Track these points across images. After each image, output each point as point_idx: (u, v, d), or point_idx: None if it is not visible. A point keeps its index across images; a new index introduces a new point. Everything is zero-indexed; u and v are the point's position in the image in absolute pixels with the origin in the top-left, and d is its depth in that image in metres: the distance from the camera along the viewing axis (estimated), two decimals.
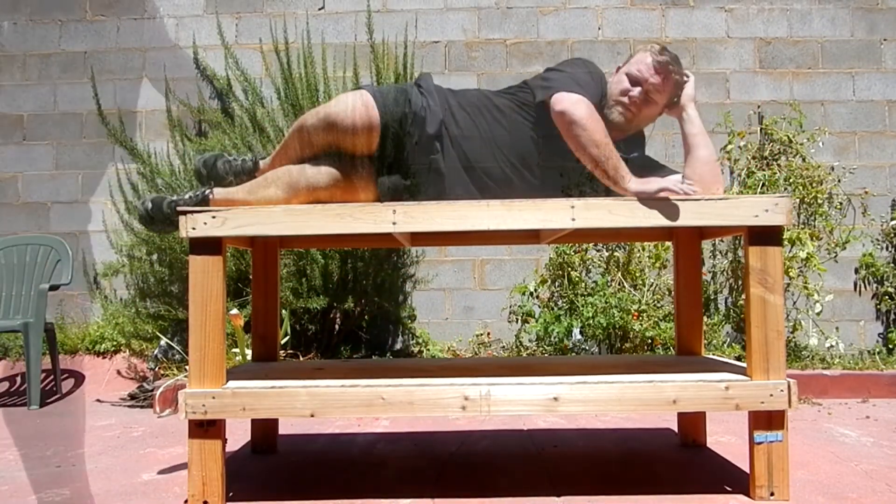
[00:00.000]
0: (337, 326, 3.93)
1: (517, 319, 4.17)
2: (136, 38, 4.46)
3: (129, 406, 3.38)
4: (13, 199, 4.42)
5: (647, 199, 1.78)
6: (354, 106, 1.92)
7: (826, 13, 4.35)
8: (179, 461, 2.26)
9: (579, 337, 3.88)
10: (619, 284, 3.99)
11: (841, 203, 4.20)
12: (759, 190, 4.00)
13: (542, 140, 2.02)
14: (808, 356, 3.80)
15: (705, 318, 4.00)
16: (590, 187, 2.10)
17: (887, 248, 4.24)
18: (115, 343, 4.00)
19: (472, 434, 2.60)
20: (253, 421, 2.33)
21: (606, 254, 4.08)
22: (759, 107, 4.31)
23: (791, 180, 4.09)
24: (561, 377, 1.82)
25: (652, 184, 1.80)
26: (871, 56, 4.33)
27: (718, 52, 4.35)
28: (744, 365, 1.90)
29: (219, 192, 2.04)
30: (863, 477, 1.99)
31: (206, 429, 1.76)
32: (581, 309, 3.86)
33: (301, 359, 3.59)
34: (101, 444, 2.56)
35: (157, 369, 3.66)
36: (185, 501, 1.80)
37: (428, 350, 4.06)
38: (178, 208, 1.84)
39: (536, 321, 3.99)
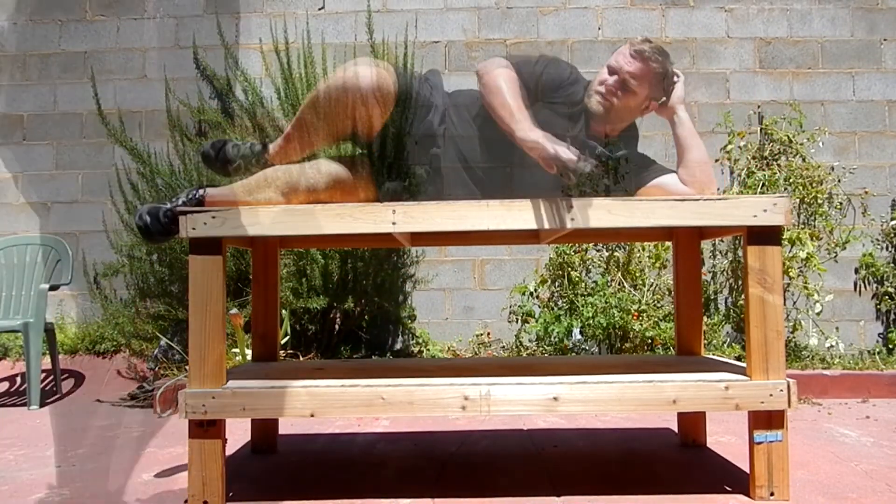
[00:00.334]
0: (337, 326, 3.93)
1: (517, 319, 4.17)
2: (136, 38, 4.46)
3: (129, 406, 3.38)
4: (13, 199, 4.42)
5: (647, 200, 1.78)
6: (377, 69, 1.91)
7: (826, 13, 4.35)
8: (179, 461, 2.26)
9: (579, 337, 3.88)
10: (619, 284, 3.99)
11: (841, 203, 4.20)
12: (759, 190, 4.00)
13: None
14: (808, 356, 3.80)
15: (705, 318, 4.00)
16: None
17: (887, 248, 4.24)
18: (115, 343, 4.00)
19: (472, 434, 2.60)
20: (253, 421, 2.33)
21: (606, 254, 4.08)
22: (759, 107, 4.31)
23: (791, 180, 4.09)
24: (561, 377, 1.82)
25: (548, 146, 1.78)
26: (871, 56, 4.33)
27: (718, 52, 4.35)
28: (744, 365, 1.90)
29: (212, 192, 2.04)
30: (863, 477, 1.99)
31: (206, 429, 1.76)
32: (581, 309, 3.86)
33: (301, 359, 3.59)
34: (101, 444, 2.56)
35: (157, 369, 3.66)
36: (185, 501, 1.80)
37: (428, 350, 4.06)
38: (178, 209, 1.84)
39: (536, 321, 3.99)
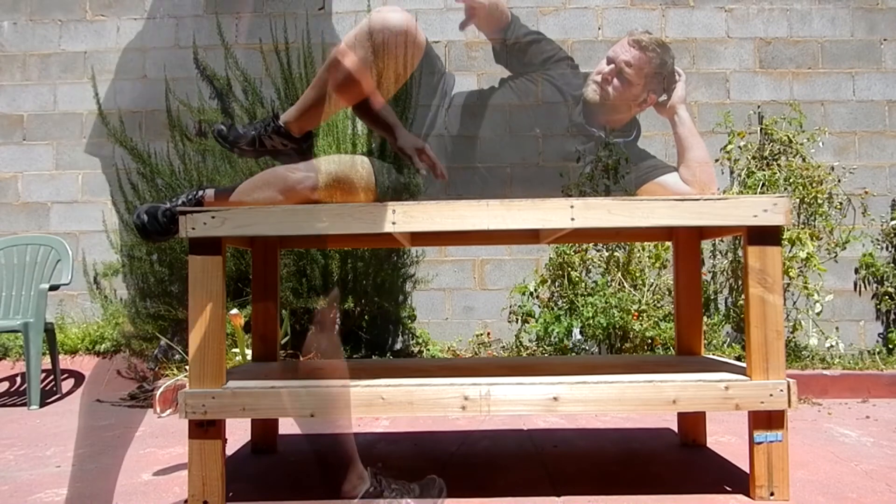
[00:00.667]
0: (337, 326, 3.92)
1: (517, 319, 4.17)
2: (135, 38, 4.46)
3: (129, 406, 3.38)
4: (13, 199, 4.42)
5: (647, 200, 1.78)
6: (408, 17, 1.86)
7: (826, 13, 4.35)
8: (179, 461, 2.26)
9: (579, 337, 3.88)
10: (619, 284, 3.99)
11: (841, 203, 4.20)
12: (759, 190, 4.00)
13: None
14: (808, 356, 3.80)
15: (705, 318, 4.00)
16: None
17: (887, 248, 4.24)
18: (115, 343, 4.00)
19: (472, 434, 2.60)
20: (253, 421, 2.33)
21: (606, 254, 4.08)
22: (759, 107, 4.31)
23: (791, 180, 4.09)
24: (561, 377, 1.81)
25: None
26: (871, 56, 4.33)
27: (718, 52, 4.35)
28: (743, 365, 1.90)
29: (212, 193, 2.04)
30: (863, 477, 1.99)
31: (206, 429, 1.76)
32: (581, 309, 3.86)
33: (301, 359, 3.58)
34: (101, 444, 2.56)
35: (157, 369, 3.66)
36: (185, 501, 1.80)
37: (428, 350, 4.06)
38: (178, 209, 1.84)
39: (536, 321, 3.99)
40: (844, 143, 4.30)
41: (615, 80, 2.04)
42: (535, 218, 1.76)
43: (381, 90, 1.88)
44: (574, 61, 2.12)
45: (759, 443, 1.75)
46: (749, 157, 4.20)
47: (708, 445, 2.33)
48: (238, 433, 2.57)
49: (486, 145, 2.05)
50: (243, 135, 1.95)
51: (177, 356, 3.70)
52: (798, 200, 4.12)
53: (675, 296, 2.30)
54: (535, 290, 4.10)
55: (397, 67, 1.84)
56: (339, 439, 1.67)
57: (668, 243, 3.76)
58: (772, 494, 1.75)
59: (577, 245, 4.06)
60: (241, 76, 4.18)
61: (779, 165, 4.15)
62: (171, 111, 4.21)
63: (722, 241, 4.23)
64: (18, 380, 3.92)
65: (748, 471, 1.80)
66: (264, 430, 2.33)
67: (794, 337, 3.99)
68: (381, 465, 1.73)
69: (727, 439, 2.46)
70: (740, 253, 4.17)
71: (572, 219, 1.76)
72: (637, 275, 4.00)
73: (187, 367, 2.90)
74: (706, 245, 4.23)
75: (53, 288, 3.60)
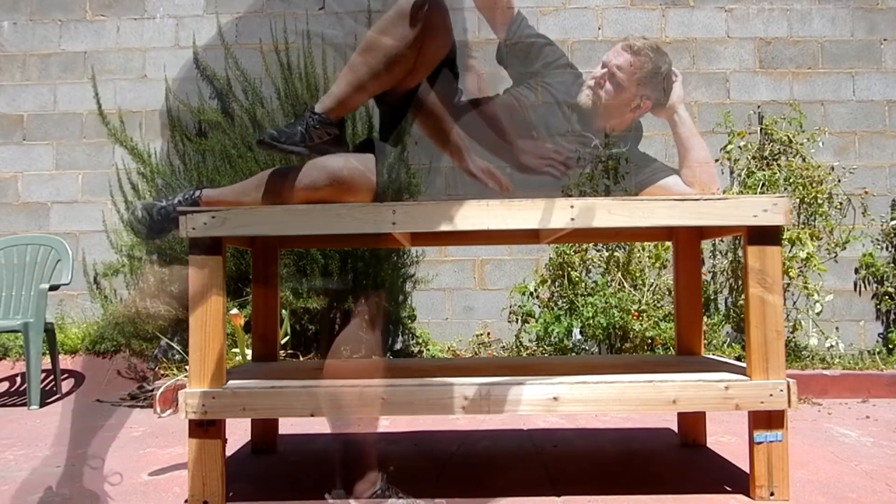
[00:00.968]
0: (337, 326, 3.92)
1: (517, 319, 4.17)
2: (136, 38, 4.46)
3: (129, 406, 3.38)
4: (13, 199, 4.42)
5: (647, 200, 1.78)
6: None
7: (826, 13, 4.35)
8: (179, 461, 2.26)
9: (579, 337, 3.88)
10: (619, 284, 3.99)
11: (841, 203, 4.20)
12: (759, 190, 4.00)
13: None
14: (808, 356, 3.80)
15: (705, 318, 4.00)
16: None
17: (887, 248, 4.24)
18: (115, 343, 4.00)
19: (472, 434, 2.60)
20: (253, 421, 2.33)
21: (606, 254, 4.08)
22: (759, 107, 4.31)
23: (791, 180, 4.09)
24: (561, 377, 1.81)
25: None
26: (871, 56, 4.33)
27: (718, 52, 4.35)
28: (743, 365, 1.90)
29: (209, 193, 2.03)
30: (863, 477, 1.99)
31: (206, 429, 1.76)
32: (581, 309, 3.86)
33: (301, 359, 3.59)
34: (101, 444, 2.56)
35: (157, 369, 3.66)
36: (186, 501, 1.80)
37: (428, 350, 4.06)
38: (178, 209, 1.84)
39: (536, 321, 3.99)
40: (844, 143, 4.30)
41: (607, 84, 2.03)
42: (535, 218, 1.76)
43: (417, 72, 1.87)
44: (575, 68, 2.11)
45: (759, 443, 1.75)
46: (749, 157, 4.20)
47: (708, 445, 2.33)
48: (238, 433, 2.57)
49: (486, 145, 2.05)
50: (292, 133, 1.90)
51: (177, 356, 3.70)
52: (798, 200, 4.12)
53: (675, 296, 2.30)
54: (535, 290, 4.10)
55: (435, 48, 1.84)
56: (364, 439, 1.67)
57: (668, 243, 3.76)
58: (772, 494, 1.75)
59: (577, 245, 4.06)
60: (241, 76, 4.18)
61: (779, 165, 4.15)
62: (171, 111, 4.21)
63: (722, 241, 4.23)
64: (18, 380, 3.92)
65: (748, 471, 1.80)
66: (264, 430, 2.33)
67: (794, 337, 3.99)
68: (392, 468, 1.73)
69: (727, 439, 2.46)
70: (740, 253, 4.17)
71: (572, 219, 1.76)
72: (637, 275, 4.00)
73: (187, 367, 2.90)
74: (706, 245, 4.23)
75: (53, 288, 3.60)
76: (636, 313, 3.79)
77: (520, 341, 4.09)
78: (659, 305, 3.91)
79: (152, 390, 3.33)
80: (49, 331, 3.64)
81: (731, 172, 4.25)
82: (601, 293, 3.88)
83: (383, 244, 2.60)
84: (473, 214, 1.76)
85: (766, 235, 1.77)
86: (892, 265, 4.21)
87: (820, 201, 4.09)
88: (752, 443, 1.76)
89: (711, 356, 2.29)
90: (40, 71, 4.46)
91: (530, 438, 2.51)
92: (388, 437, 2.57)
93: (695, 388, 1.75)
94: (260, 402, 1.76)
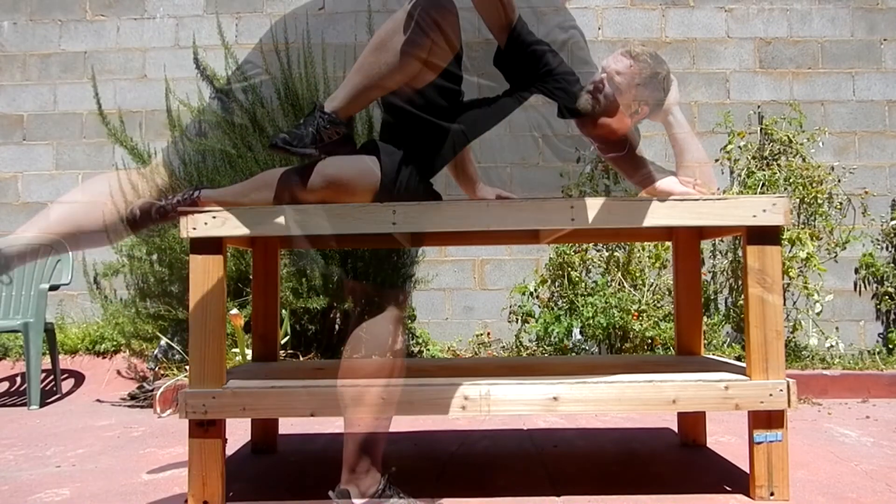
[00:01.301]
0: (337, 326, 3.92)
1: (517, 319, 4.17)
2: (136, 38, 4.46)
3: (129, 406, 3.38)
4: (13, 199, 4.42)
5: (646, 200, 1.78)
6: None
7: (826, 13, 4.35)
8: (180, 461, 2.26)
9: (579, 337, 3.88)
10: (619, 284, 3.99)
11: (841, 203, 4.20)
12: (759, 190, 4.00)
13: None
14: (808, 356, 3.80)
15: (705, 318, 4.00)
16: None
17: (887, 248, 4.24)
18: (115, 343, 4.00)
19: (472, 434, 2.60)
20: (253, 421, 2.33)
21: (606, 254, 4.08)
22: (759, 107, 4.31)
23: (791, 180, 4.09)
24: (561, 377, 1.82)
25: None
26: (871, 56, 4.33)
27: (718, 52, 4.35)
28: (743, 365, 1.90)
29: (207, 193, 2.03)
30: (863, 477, 1.99)
31: (206, 428, 1.76)
32: (581, 309, 3.86)
33: (301, 359, 3.59)
34: (101, 444, 2.56)
35: (157, 369, 3.66)
36: (185, 501, 1.80)
37: (428, 350, 4.06)
38: (178, 209, 1.84)
39: (536, 321, 3.99)
40: (844, 143, 4.30)
41: (606, 88, 2.03)
42: (535, 218, 1.77)
43: (425, 73, 1.87)
44: (575, 74, 2.10)
45: (759, 443, 1.75)
46: (749, 157, 4.20)
47: (708, 445, 2.33)
48: (238, 433, 2.57)
49: (486, 145, 2.05)
50: (303, 135, 1.88)
51: (177, 356, 3.70)
52: (798, 200, 4.12)
53: (675, 296, 2.30)
54: (535, 290, 4.10)
55: (445, 48, 1.84)
56: (372, 438, 1.66)
57: (668, 243, 3.76)
58: (772, 494, 1.75)
59: (577, 245, 4.06)
60: (242, 76, 4.17)
61: (779, 165, 4.15)
62: (171, 111, 4.21)
63: (722, 241, 4.23)
64: (18, 380, 3.92)
65: (748, 471, 1.80)
66: (264, 430, 2.33)
67: (794, 337, 3.99)
68: (394, 469, 1.72)
69: (727, 439, 2.46)
70: (740, 253, 4.18)
71: (572, 219, 1.76)
72: (637, 275, 4.00)
73: (187, 367, 2.90)
74: (706, 245, 4.23)
75: (53, 288, 3.60)
76: (636, 313, 3.79)
77: (520, 341, 4.09)
78: (659, 305, 3.91)
79: (152, 390, 3.33)
80: (49, 331, 3.64)
81: (731, 172, 4.26)
82: (601, 293, 3.88)
83: (383, 244, 2.60)
84: (473, 214, 1.76)
85: (765, 235, 1.77)
86: (892, 265, 4.21)
87: (820, 201, 4.09)
88: (752, 443, 1.76)
89: (711, 356, 2.29)
90: (40, 71, 4.46)
91: (530, 438, 2.51)
92: (388, 437, 2.57)
93: (695, 388, 1.75)
94: (260, 402, 1.76)
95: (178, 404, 1.76)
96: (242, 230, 1.77)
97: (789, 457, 1.77)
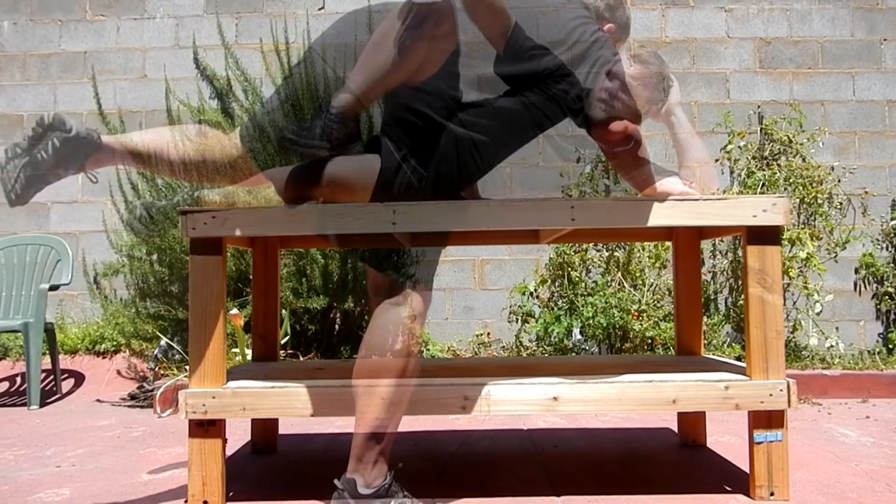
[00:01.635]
0: (337, 326, 3.93)
1: (517, 319, 4.17)
2: (136, 38, 4.46)
3: (129, 406, 3.38)
4: None
5: (646, 200, 1.78)
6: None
7: (826, 13, 4.35)
8: (180, 461, 2.26)
9: (579, 337, 3.88)
10: (619, 284, 3.99)
11: (841, 203, 4.20)
12: (759, 190, 4.00)
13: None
14: (808, 356, 3.80)
15: (705, 318, 4.00)
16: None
17: (887, 248, 4.24)
18: (115, 343, 4.00)
19: (472, 434, 2.60)
20: (253, 421, 2.33)
21: (606, 254, 4.08)
22: (759, 107, 4.31)
23: (791, 180, 4.09)
24: (561, 377, 1.82)
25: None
26: (871, 56, 4.33)
27: (718, 52, 4.35)
28: (743, 365, 1.90)
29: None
30: (863, 477, 1.99)
31: (206, 428, 1.76)
32: (581, 309, 3.86)
33: (301, 359, 3.59)
34: (101, 444, 2.56)
35: (157, 369, 3.66)
36: (185, 501, 1.80)
37: (428, 350, 4.06)
38: (179, 209, 1.84)
39: (536, 321, 3.99)
40: (844, 143, 4.30)
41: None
42: (535, 218, 1.77)
43: (425, 69, 1.88)
44: (574, 76, 2.09)
45: (759, 443, 1.75)
46: (749, 157, 4.20)
47: (708, 445, 2.33)
48: (238, 433, 2.57)
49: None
50: (311, 132, 1.86)
51: (177, 356, 3.70)
52: (798, 200, 4.12)
53: (675, 296, 2.30)
54: (535, 290, 4.10)
55: (445, 44, 1.85)
56: (380, 429, 1.66)
57: (668, 243, 3.76)
58: (772, 494, 1.75)
59: (577, 245, 4.06)
60: (241, 76, 4.18)
61: (779, 165, 4.15)
62: (171, 111, 4.21)
63: (722, 241, 4.23)
64: (18, 380, 3.92)
65: (748, 471, 1.80)
66: (264, 430, 2.33)
67: (794, 337, 3.99)
68: (401, 465, 1.72)
69: (727, 439, 2.46)
70: (740, 253, 4.18)
71: (572, 219, 1.76)
72: (637, 275, 4.00)
73: (187, 367, 2.90)
74: (706, 245, 4.23)
75: (53, 288, 3.60)
76: (636, 313, 3.79)
77: (520, 341, 4.09)
78: (659, 305, 3.91)
79: (152, 390, 3.33)
80: (49, 331, 3.64)
81: (731, 172, 4.26)
82: (601, 293, 3.88)
83: (383, 244, 2.59)
84: (473, 214, 1.76)
85: (765, 235, 1.77)
86: (892, 265, 4.21)
87: (820, 201, 4.09)
88: (752, 443, 1.76)
89: (711, 356, 2.29)
90: (40, 71, 4.46)
91: (530, 438, 2.51)
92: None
93: (695, 388, 1.75)
94: (260, 402, 1.76)
95: (178, 404, 1.76)
96: (243, 230, 1.77)
97: (789, 457, 1.77)
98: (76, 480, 2.07)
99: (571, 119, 1.95)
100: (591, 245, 4.09)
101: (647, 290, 3.93)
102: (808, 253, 3.81)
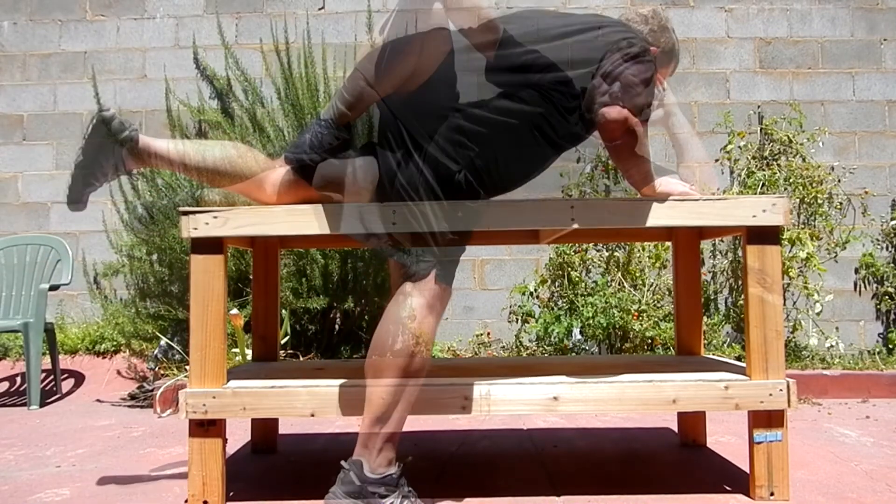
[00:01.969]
0: (337, 326, 3.93)
1: (517, 319, 4.17)
2: (136, 38, 4.46)
3: (129, 406, 3.38)
4: (13, 199, 4.42)
5: (646, 200, 1.78)
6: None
7: (826, 13, 4.35)
8: (180, 461, 2.26)
9: (579, 337, 3.89)
10: (619, 284, 3.99)
11: (841, 203, 4.20)
12: (759, 190, 4.00)
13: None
14: (808, 356, 3.80)
15: (705, 318, 4.00)
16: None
17: (887, 248, 4.25)
18: (115, 343, 4.00)
19: (472, 434, 2.60)
20: (253, 421, 2.33)
21: (606, 254, 4.08)
22: (759, 107, 4.31)
23: (791, 180, 4.09)
24: (561, 377, 1.82)
25: None
26: (871, 56, 4.33)
27: (718, 52, 4.35)
28: (743, 365, 1.91)
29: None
30: (863, 477, 1.99)
31: (206, 428, 1.76)
32: (581, 309, 3.86)
33: (301, 359, 3.59)
34: (101, 444, 2.56)
35: (157, 369, 3.66)
36: (185, 501, 1.80)
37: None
38: (180, 209, 1.84)
39: (536, 321, 3.99)
40: (844, 143, 4.30)
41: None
42: (534, 218, 1.77)
43: (420, 74, 1.89)
44: (570, 78, 2.08)
45: (759, 442, 1.75)
46: (749, 157, 4.20)
47: (708, 445, 2.33)
48: (238, 433, 2.57)
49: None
50: (300, 142, 1.87)
51: (177, 356, 3.70)
52: (798, 200, 4.12)
53: (675, 296, 2.30)
54: (535, 290, 4.10)
55: (438, 51, 1.87)
56: (386, 415, 1.66)
57: (668, 243, 3.76)
58: (772, 494, 1.75)
59: (577, 245, 4.06)
60: (241, 76, 4.18)
61: (779, 165, 4.15)
62: (171, 111, 4.21)
63: (722, 241, 4.24)
64: (18, 380, 3.92)
65: (748, 471, 1.80)
66: (264, 430, 2.33)
67: (794, 337, 3.99)
68: (410, 458, 1.72)
69: (727, 439, 2.47)
70: (740, 253, 4.18)
71: (572, 219, 1.76)
72: (637, 275, 4.00)
73: (187, 367, 2.90)
74: (706, 245, 4.23)
75: (53, 288, 3.60)
76: (636, 313, 3.79)
77: (520, 341, 4.09)
78: (659, 305, 3.91)
79: (152, 390, 3.33)
80: (49, 331, 3.64)
81: (731, 172, 4.26)
82: (601, 293, 3.88)
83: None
84: (473, 215, 1.76)
85: (765, 235, 1.77)
86: (892, 265, 4.21)
87: (820, 201, 4.09)
88: (752, 443, 1.76)
89: (711, 356, 2.29)
90: (40, 71, 4.46)
91: (530, 438, 2.51)
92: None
93: (695, 387, 1.75)
94: (260, 402, 1.76)
95: (179, 404, 1.76)
96: (243, 230, 1.77)
97: (789, 457, 1.77)
98: (76, 480, 2.07)
99: (567, 119, 1.92)
100: (591, 245, 4.09)
101: (647, 290, 3.93)
102: (808, 253, 3.81)
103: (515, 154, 1.85)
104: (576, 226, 1.76)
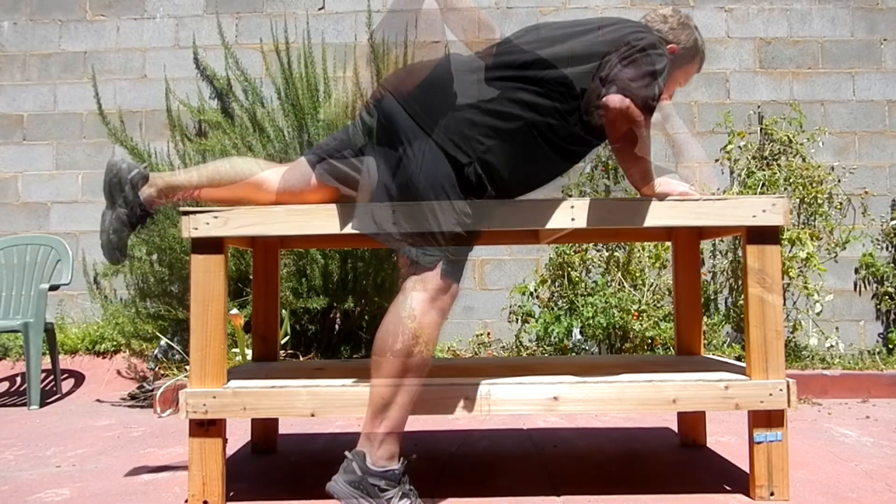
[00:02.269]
0: (337, 326, 3.92)
1: (517, 319, 4.17)
2: (136, 38, 4.46)
3: (129, 406, 3.38)
4: (13, 199, 4.43)
5: (646, 200, 1.78)
6: None
7: (826, 13, 4.35)
8: (179, 461, 2.26)
9: (579, 337, 3.89)
10: (619, 284, 4.00)
11: (841, 203, 4.20)
12: (759, 190, 4.00)
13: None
14: (808, 356, 3.80)
15: (705, 318, 4.00)
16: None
17: (887, 248, 4.25)
18: (115, 343, 4.00)
19: (472, 434, 2.60)
20: (253, 421, 2.33)
21: (606, 254, 4.08)
22: (759, 107, 4.31)
23: (791, 180, 4.09)
24: (561, 377, 1.82)
25: None
26: (871, 56, 4.33)
27: (718, 52, 4.35)
28: (743, 365, 1.91)
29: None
30: (863, 477, 1.99)
31: (206, 428, 1.76)
32: (581, 309, 3.86)
33: (301, 359, 3.59)
34: (101, 444, 2.56)
35: (157, 369, 3.66)
36: (186, 501, 1.80)
37: None
38: (180, 209, 1.84)
39: (536, 321, 3.99)
40: (844, 143, 4.30)
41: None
42: (535, 218, 1.77)
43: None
44: (568, 78, 2.07)
45: (759, 442, 1.75)
46: (749, 157, 4.20)
47: (708, 445, 2.33)
48: (238, 433, 2.57)
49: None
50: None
51: (177, 356, 3.70)
52: (798, 200, 4.12)
53: (674, 296, 2.30)
54: (535, 290, 4.10)
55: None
56: (388, 405, 1.67)
57: (668, 243, 3.76)
58: (772, 494, 1.75)
59: (577, 245, 4.06)
60: (241, 76, 4.18)
61: (779, 165, 4.15)
62: (171, 111, 4.21)
63: (722, 241, 4.24)
64: (18, 380, 3.92)
65: (748, 471, 1.80)
66: (264, 430, 2.33)
67: (794, 337, 3.99)
68: (415, 456, 1.73)
69: (727, 439, 2.47)
70: (740, 253, 4.18)
71: (572, 219, 1.76)
72: (637, 275, 4.00)
73: (187, 367, 2.90)
74: (706, 245, 4.23)
75: (53, 288, 3.60)
76: (636, 313, 3.79)
77: (520, 341, 4.09)
78: (659, 305, 3.91)
79: (152, 390, 3.33)
80: (49, 331, 3.64)
81: (731, 172, 4.25)
82: (601, 293, 3.88)
83: (383, 245, 2.58)
84: (473, 215, 1.76)
85: (765, 235, 1.77)
86: (892, 265, 4.21)
87: (820, 201, 4.09)
88: (751, 443, 1.76)
89: (711, 356, 2.29)
90: (40, 71, 4.46)
91: (530, 438, 2.51)
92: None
93: (695, 387, 1.75)
94: (260, 402, 1.76)
95: (179, 404, 1.76)
96: (243, 230, 1.77)
97: (789, 457, 1.77)
98: (76, 480, 2.07)
99: (566, 119, 1.91)
100: (591, 245, 4.09)
101: (647, 290, 3.93)
102: (808, 253, 3.81)
103: (528, 153, 1.84)
104: (576, 226, 1.76)
